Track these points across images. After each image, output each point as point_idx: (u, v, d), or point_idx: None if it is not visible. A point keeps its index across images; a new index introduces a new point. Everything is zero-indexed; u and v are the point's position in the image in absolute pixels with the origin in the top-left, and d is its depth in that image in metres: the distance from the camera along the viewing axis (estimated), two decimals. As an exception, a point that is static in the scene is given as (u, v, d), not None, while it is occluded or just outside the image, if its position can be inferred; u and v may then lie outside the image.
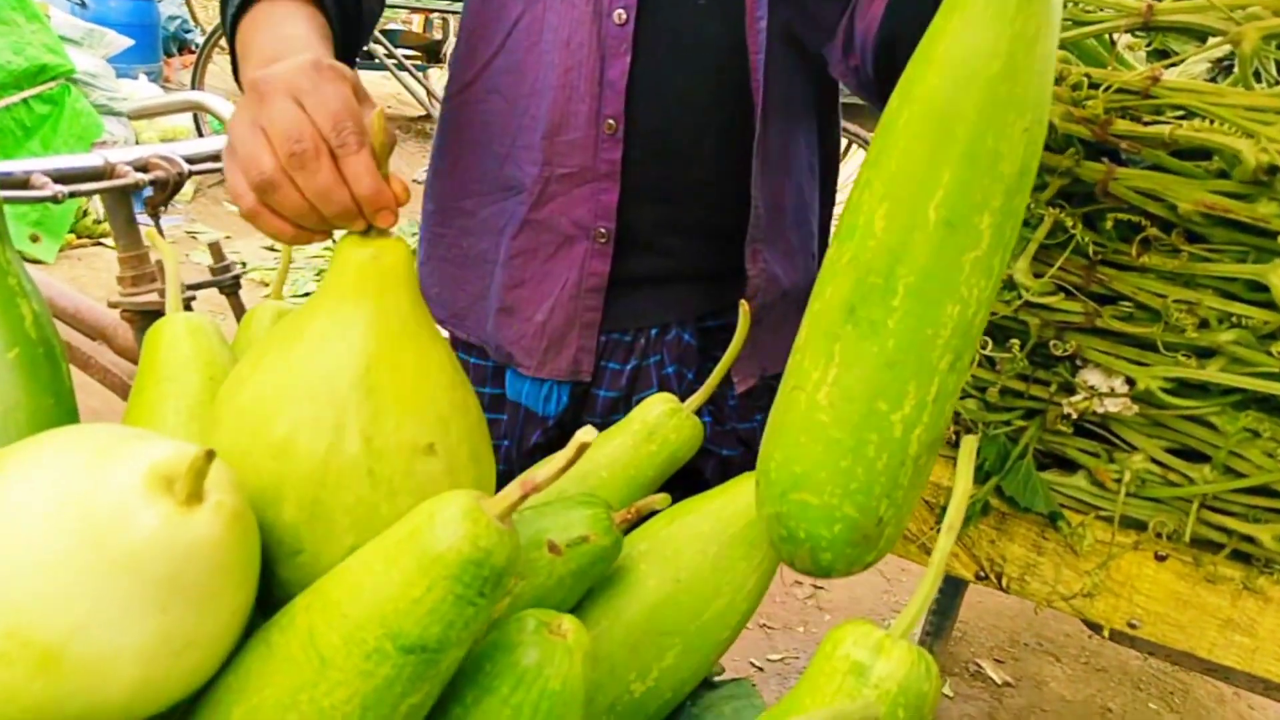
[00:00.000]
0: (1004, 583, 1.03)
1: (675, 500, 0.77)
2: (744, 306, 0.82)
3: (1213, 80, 0.98)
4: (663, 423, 0.84)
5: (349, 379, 0.57)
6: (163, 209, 0.97)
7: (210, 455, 0.45)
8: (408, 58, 5.32)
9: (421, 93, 5.05)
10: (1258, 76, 0.90)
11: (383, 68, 5.12)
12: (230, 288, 1.07)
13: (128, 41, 4.58)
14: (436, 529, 0.50)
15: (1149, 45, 1.04)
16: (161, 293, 0.98)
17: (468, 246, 1.07)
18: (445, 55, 6.04)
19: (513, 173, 1.02)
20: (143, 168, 0.95)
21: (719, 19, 0.95)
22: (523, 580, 0.68)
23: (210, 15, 8.33)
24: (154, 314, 0.98)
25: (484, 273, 1.06)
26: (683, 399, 0.84)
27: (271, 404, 0.58)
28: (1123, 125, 0.87)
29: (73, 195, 0.85)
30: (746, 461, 1.07)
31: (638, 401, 0.86)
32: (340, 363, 0.58)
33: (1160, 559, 0.96)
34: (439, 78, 6.11)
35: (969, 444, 0.66)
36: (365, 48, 4.03)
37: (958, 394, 0.64)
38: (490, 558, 0.50)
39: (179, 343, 0.77)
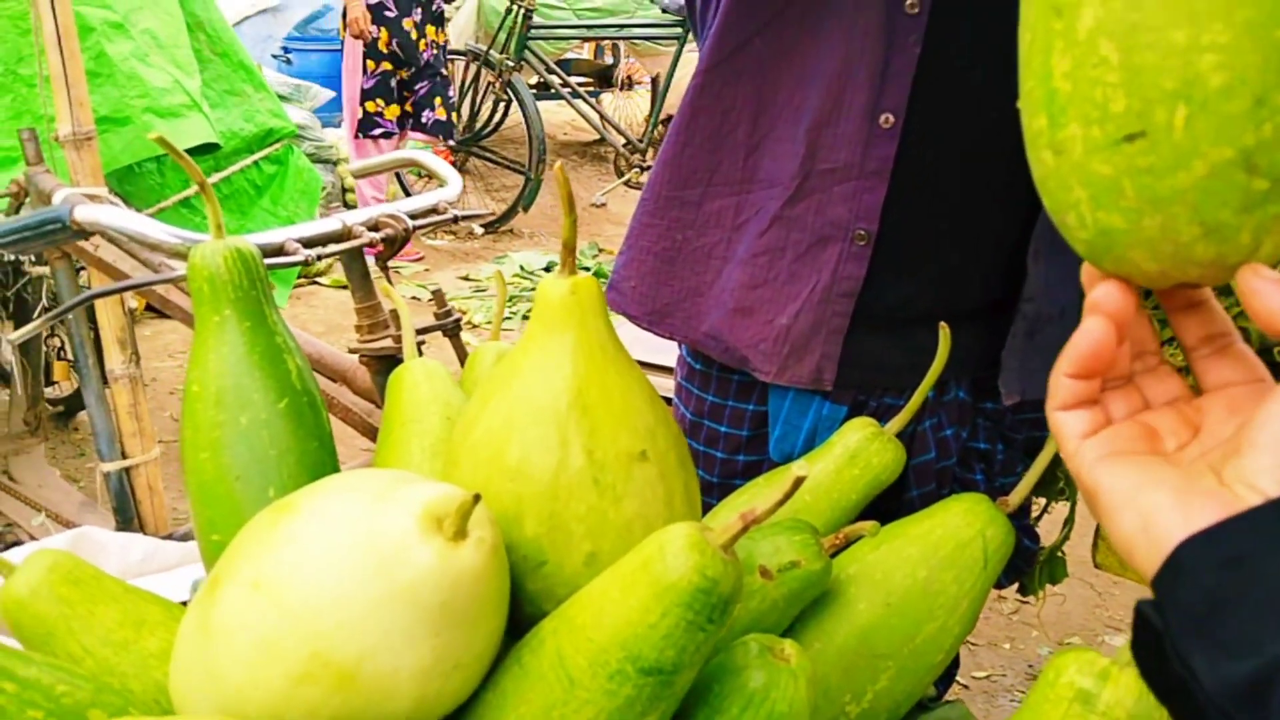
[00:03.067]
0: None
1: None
2: (944, 328, 0.81)
3: None
4: (864, 447, 0.85)
5: (566, 401, 0.62)
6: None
7: (476, 499, 0.51)
8: (580, 84, 5.52)
9: (595, 118, 5.23)
10: None
11: (558, 97, 5.34)
12: (452, 330, 1.17)
13: (330, 94, 4.98)
14: (667, 559, 0.54)
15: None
16: (394, 338, 1.08)
17: (684, 240, 1.01)
18: (616, 79, 6.21)
19: (764, 164, 0.95)
20: (374, 226, 1.06)
21: None
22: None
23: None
24: (388, 358, 1.09)
25: (704, 269, 1.01)
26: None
27: (502, 434, 0.64)
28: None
29: (320, 258, 0.97)
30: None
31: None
32: (556, 388, 0.63)
33: None
34: (610, 101, 6.27)
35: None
36: (541, 80, 4.20)
37: None
38: (718, 586, 0.54)
39: (418, 387, 0.85)
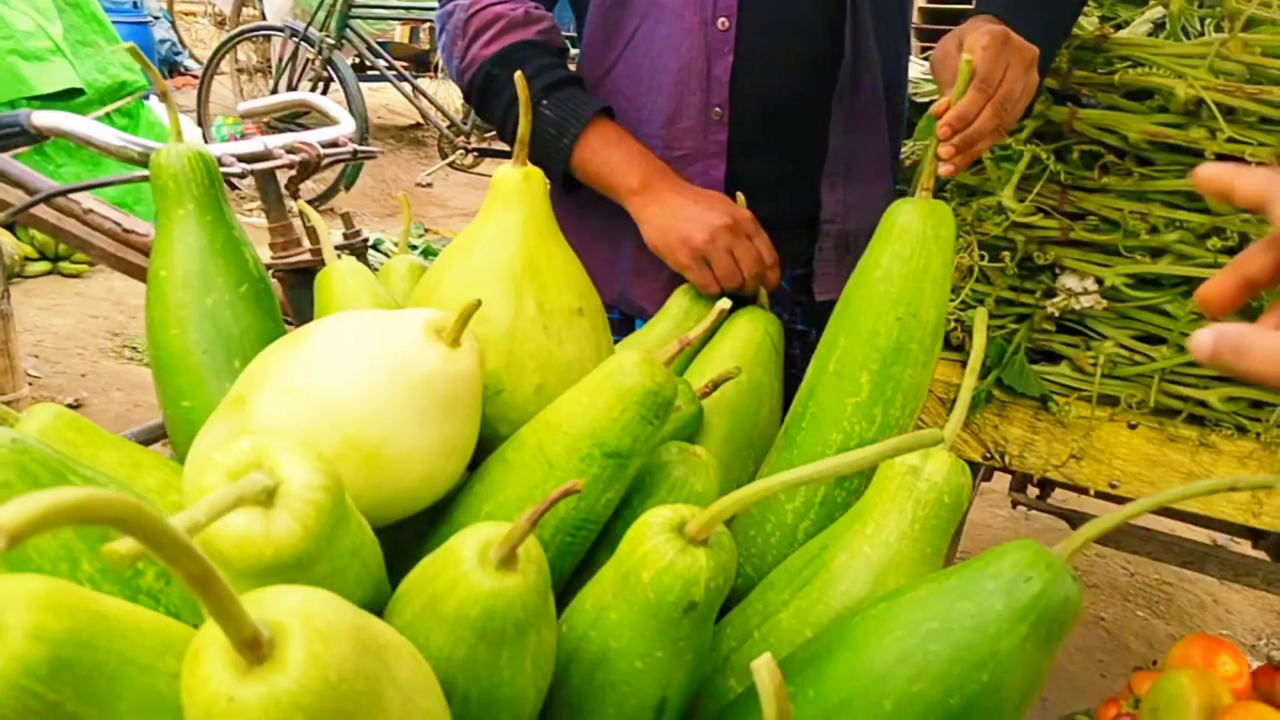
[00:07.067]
0: (1006, 460, 1.25)
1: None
2: (980, 313, 0.99)
3: (1151, 36, 1.20)
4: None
5: (520, 264, 0.78)
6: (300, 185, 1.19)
7: (478, 304, 0.66)
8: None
9: (423, 101, 5.27)
10: (1186, 33, 1.12)
11: (378, 78, 5.33)
12: (360, 249, 1.28)
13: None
14: (625, 371, 0.70)
15: (1099, 11, 1.27)
16: (311, 252, 1.18)
17: (595, 221, 1.25)
18: (436, 64, 6.22)
19: None
20: (291, 150, 1.16)
21: (815, 4, 1.15)
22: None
23: (192, 37, 8.47)
24: (300, 271, 1.19)
25: (613, 240, 1.26)
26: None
27: (468, 288, 0.78)
28: (1081, 74, 1.10)
29: (250, 173, 1.06)
30: None
31: None
32: (512, 253, 0.78)
33: (1132, 427, 1.19)
34: (425, 86, 6.28)
35: (981, 313, 0.87)
36: (358, 60, 4.07)
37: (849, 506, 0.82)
38: (663, 390, 0.70)
39: (346, 280, 0.96)
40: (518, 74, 0.78)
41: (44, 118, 0.99)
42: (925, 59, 2.07)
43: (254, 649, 0.38)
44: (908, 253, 0.81)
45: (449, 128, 5.27)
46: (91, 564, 0.61)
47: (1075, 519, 1.42)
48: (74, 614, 0.44)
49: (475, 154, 5.12)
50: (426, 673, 0.49)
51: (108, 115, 1.83)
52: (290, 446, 0.51)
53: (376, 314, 0.71)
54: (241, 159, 1.07)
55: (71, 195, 1.20)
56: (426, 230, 4.85)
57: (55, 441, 0.75)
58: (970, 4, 1.35)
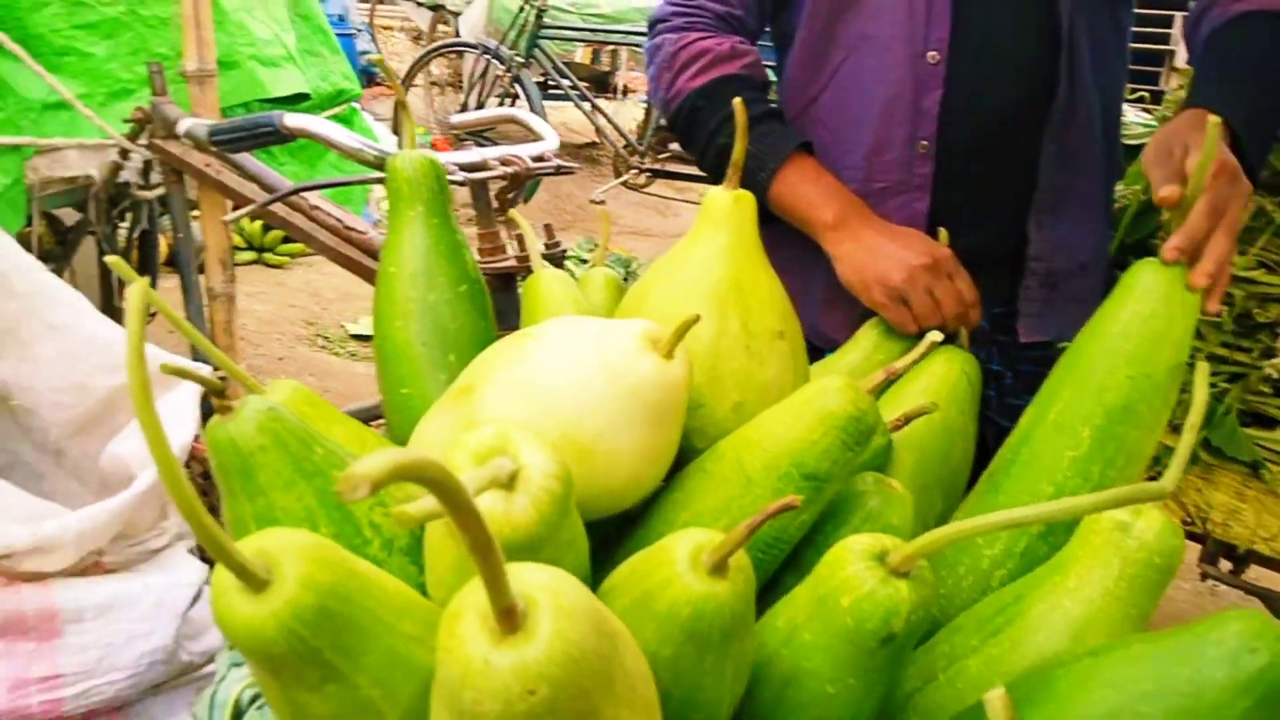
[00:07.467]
0: (1208, 528, 1.18)
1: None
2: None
3: None
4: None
5: (727, 284, 0.79)
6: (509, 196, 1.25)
7: (696, 319, 0.68)
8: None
9: (600, 119, 5.42)
10: None
11: (560, 97, 5.52)
12: (558, 261, 1.34)
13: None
14: (829, 395, 0.70)
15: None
16: (516, 259, 1.24)
17: (789, 253, 1.21)
18: (615, 85, 6.38)
19: None
20: (504, 162, 1.23)
21: (1030, 38, 1.13)
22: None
23: (388, 50, 8.98)
24: (505, 277, 1.26)
25: (806, 272, 1.24)
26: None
27: (675, 303, 0.80)
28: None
29: (468, 182, 1.13)
30: None
31: None
32: (719, 273, 0.79)
33: (1355, 506, 1.10)
34: (604, 106, 6.44)
35: (1203, 366, 0.83)
36: (543, 79, 4.22)
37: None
38: (866, 417, 0.70)
39: (553, 286, 1.01)
40: (737, 100, 0.79)
41: (294, 120, 1.08)
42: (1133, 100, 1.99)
43: (510, 618, 0.40)
44: (1148, 312, 0.78)
45: (624, 147, 5.39)
46: (327, 528, 0.66)
47: (1274, 600, 1.32)
48: (336, 569, 0.48)
49: (648, 174, 5.22)
50: (645, 664, 0.50)
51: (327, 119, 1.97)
52: (529, 436, 0.54)
53: (596, 321, 0.74)
54: (462, 168, 1.14)
55: (301, 193, 1.31)
56: (596, 245, 4.96)
57: (295, 413, 0.82)
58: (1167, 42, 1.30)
